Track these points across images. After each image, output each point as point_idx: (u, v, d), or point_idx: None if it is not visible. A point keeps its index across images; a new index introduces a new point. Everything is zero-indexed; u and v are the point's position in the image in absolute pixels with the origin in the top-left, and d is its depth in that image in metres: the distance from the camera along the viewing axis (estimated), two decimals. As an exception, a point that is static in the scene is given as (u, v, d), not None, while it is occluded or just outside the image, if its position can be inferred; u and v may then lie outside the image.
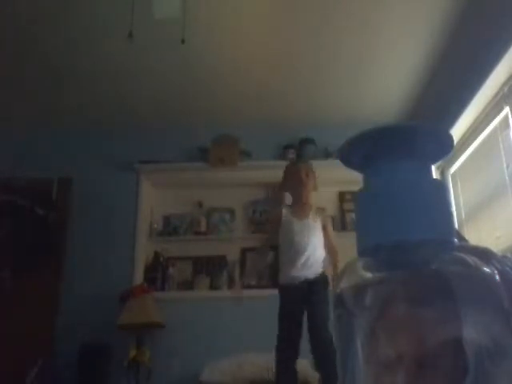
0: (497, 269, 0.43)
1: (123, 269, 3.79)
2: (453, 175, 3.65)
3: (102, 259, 3.80)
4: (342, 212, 4.08)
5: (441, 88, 3.52)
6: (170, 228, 4.07)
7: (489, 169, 3.07)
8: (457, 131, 3.29)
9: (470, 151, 3.37)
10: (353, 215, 3.79)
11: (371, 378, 0.44)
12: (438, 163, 3.42)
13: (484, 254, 0.45)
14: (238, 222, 4.10)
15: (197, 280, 3.91)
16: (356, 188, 0.47)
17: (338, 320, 0.45)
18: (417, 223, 0.42)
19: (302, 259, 2.77)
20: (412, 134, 0.44)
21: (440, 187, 0.44)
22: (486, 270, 0.42)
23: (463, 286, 0.41)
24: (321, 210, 3.05)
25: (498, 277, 0.42)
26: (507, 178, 2.81)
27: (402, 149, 0.44)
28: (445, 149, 0.46)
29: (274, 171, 3.99)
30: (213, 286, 3.89)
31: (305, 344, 2.71)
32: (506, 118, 2.84)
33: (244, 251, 4.00)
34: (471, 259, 0.42)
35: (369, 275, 0.44)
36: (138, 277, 3.82)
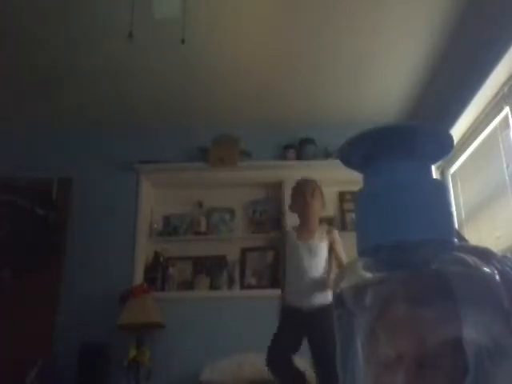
0: (497, 269, 0.43)
1: (123, 269, 3.79)
2: (453, 175, 3.65)
3: (102, 259, 3.80)
4: (342, 212, 4.09)
5: (441, 88, 3.52)
6: (170, 228, 4.07)
7: (489, 169, 3.07)
8: (457, 131, 3.29)
9: (470, 151, 3.37)
10: (353, 215, 3.79)
11: (371, 378, 0.44)
12: (438, 163, 3.42)
13: (484, 254, 0.45)
14: (238, 221, 4.10)
15: (197, 280, 3.91)
16: (356, 188, 0.47)
17: (338, 320, 0.45)
18: (417, 223, 0.42)
19: (302, 284, 2.73)
20: (412, 134, 0.44)
21: (440, 187, 0.44)
22: (486, 269, 0.42)
23: (463, 286, 0.41)
24: (329, 229, 3.00)
25: (497, 277, 0.42)
26: (507, 177, 2.81)
27: (401, 149, 0.44)
28: (445, 149, 0.46)
29: (274, 171, 4.01)
30: (213, 286, 3.89)
31: (304, 344, 2.71)
32: (506, 118, 2.84)
33: (244, 251, 4.00)
34: (471, 259, 0.42)
35: (369, 275, 0.44)
36: (138, 277, 3.82)
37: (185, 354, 3.59)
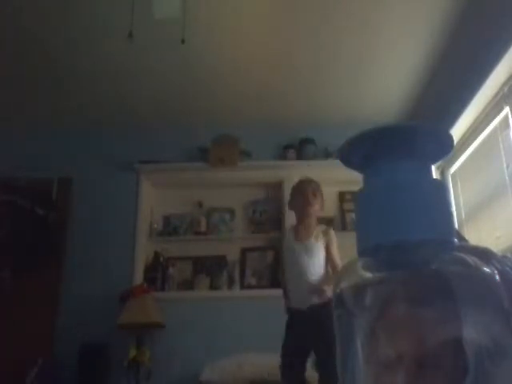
0: (497, 269, 0.43)
1: (123, 269, 3.79)
2: (453, 175, 3.65)
3: (102, 259, 3.80)
4: (342, 212, 4.08)
5: (441, 88, 3.52)
6: (170, 228, 4.07)
7: (489, 169, 3.07)
8: (457, 131, 3.29)
9: (470, 151, 3.37)
10: (353, 215, 3.79)
11: (371, 378, 0.44)
12: (438, 163, 3.42)
13: (484, 254, 0.45)
14: (238, 221, 4.10)
15: (197, 280, 3.91)
16: (356, 188, 0.47)
17: (338, 320, 0.45)
18: (417, 223, 0.42)
19: (305, 283, 2.71)
20: (412, 134, 0.44)
21: (440, 187, 0.44)
22: (486, 269, 0.42)
23: (463, 286, 0.41)
24: (326, 229, 2.99)
25: (497, 277, 0.42)
26: (507, 177, 2.81)
27: (402, 149, 0.44)
28: (445, 149, 0.46)
29: (274, 171, 4.01)
30: (213, 286, 3.89)
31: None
32: (506, 118, 2.84)
33: (244, 251, 4.00)
34: (471, 259, 0.42)
35: (369, 275, 0.44)
36: (138, 277, 3.82)
37: (185, 354, 3.59)
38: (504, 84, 2.80)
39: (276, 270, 3.76)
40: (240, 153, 4.04)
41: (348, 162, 0.47)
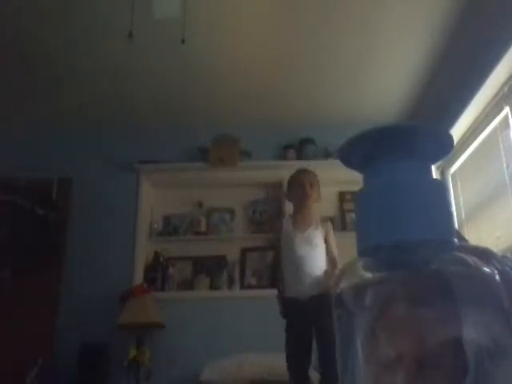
0: (497, 269, 0.43)
1: (123, 269, 3.79)
2: (453, 175, 3.65)
3: (102, 259, 3.80)
4: (342, 212, 4.08)
5: (441, 88, 3.52)
6: (170, 228, 4.07)
7: (489, 169, 3.07)
8: (457, 131, 3.29)
9: (470, 151, 3.37)
10: (353, 215, 3.79)
11: (371, 378, 0.44)
12: (438, 163, 3.42)
13: (484, 254, 0.45)
14: (238, 221, 4.10)
15: (197, 280, 3.91)
16: (356, 188, 0.47)
17: (338, 320, 0.45)
18: (417, 223, 0.42)
19: (304, 272, 2.72)
20: (412, 134, 0.44)
21: (440, 187, 0.44)
22: (486, 270, 0.42)
23: (463, 286, 0.41)
24: (324, 220, 3.02)
25: (497, 277, 0.42)
26: (507, 177, 2.81)
27: (402, 149, 0.44)
28: (445, 149, 0.46)
29: (274, 171, 4.01)
30: (213, 286, 3.89)
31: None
32: (506, 118, 2.84)
33: (244, 251, 4.00)
34: (471, 259, 0.42)
35: (369, 275, 0.44)
36: (138, 277, 3.82)
37: (185, 354, 3.59)
38: (504, 84, 2.80)
39: (276, 269, 3.76)
40: (240, 153, 4.04)
41: (348, 162, 0.47)
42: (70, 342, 3.50)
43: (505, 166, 2.84)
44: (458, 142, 3.38)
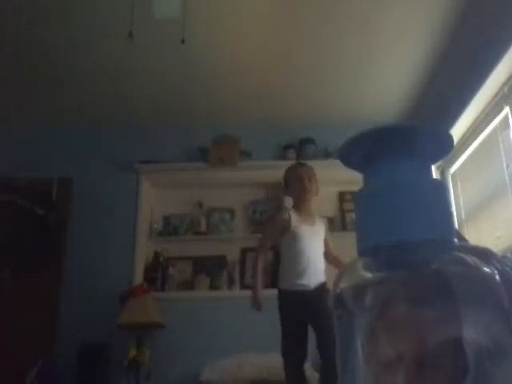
0: (497, 269, 0.43)
1: (123, 269, 3.79)
2: (453, 175, 3.65)
3: (102, 259, 3.81)
4: (342, 212, 4.08)
5: (441, 88, 3.52)
6: (170, 228, 4.07)
7: (489, 169, 3.07)
8: (457, 131, 3.29)
9: (470, 151, 3.37)
10: (353, 215, 3.79)
11: (371, 378, 0.44)
12: (438, 163, 3.42)
13: (484, 254, 0.45)
14: (238, 221, 4.11)
15: (197, 280, 3.91)
16: (356, 188, 0.47)
17: (338, 320, 0.45)
18: (417, 223, 0.42)
19: (310, 266, 2.73)
20: (412, 134, 0.44)
21: (440, 187, 0.44)
22: (486, 270, 0.42)
23: (463, 286, 0.41)
24: (321, 216, 3.03)
25: (497, 277, 0.42)
26: (507, 177, 2.81)
27: (402, 149, 0.44)
28: (445, 149, 0.46)
29: (274, 171, 3.99)
30: (213, 286, 3.89)
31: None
32: (506, 118, 2.84)
33: (244, 251, 4.00)
34: (471, 259, 0.42)
35: (369, 275, 0.44)
36: (138, 277, 3.82)
37: (185, 354, 3.59)
38: (504, 84, 2.80)
39: (276, 270, 3.76)
40: (240, 153, 4.04)
41: (348, 162, 0.47)
42: (69, 342, 3.50)
43: (505, 165, 2.84)
44: (458, 142, 3.38)
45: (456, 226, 3.14)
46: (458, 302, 0.40)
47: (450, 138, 0.45)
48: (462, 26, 2.99)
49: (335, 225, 4.01)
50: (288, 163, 3.98)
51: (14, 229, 3.86)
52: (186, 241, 4.03)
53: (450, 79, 3.34)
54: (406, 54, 3.32)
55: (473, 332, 0.40)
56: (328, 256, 2.90)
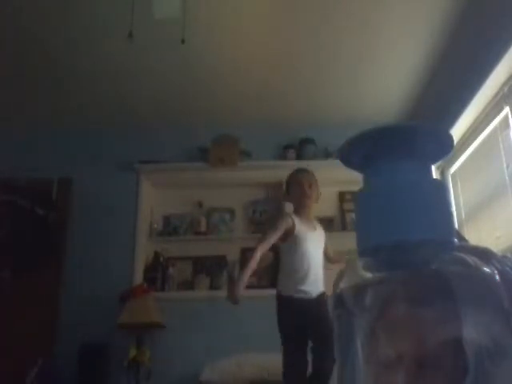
0: (497, 269, 0.43)
1: (123, 269, 3.79)
2: (453, 175, 3.65)
3: (102, 259, 3.80)
4: (342, 212, 4.08)
5: (441, 88, 3.52)
6: (170, 228, 4.07)
7: (489, 169, 3.07)
8: (457, 131, 3.29)
9: (470, 151, 3.37)
10: (353, 215, 3.79)
11: (371, 378, 0.44)
12: (438, 163, 3.42)
13: (484, 254, 0.45)
14: (238, 221, 4.10)
15: (197, 280, 3.91)
16: (356, 188, 0.47)
17: (337, 320, 0.45)
18: (417, 223, 0.42)
19: (311, 272, 2.72)
20: (412, 134, 0.44)
21: (440, 187, 0.44)
22: (486, 270, 0.42)
23: (463, 286, 0.41)
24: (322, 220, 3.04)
25: (497, 277, 0.42)
26: (507, 177, 2.81)
27: (402, 149, 0.44)
28: (445, 149, 0.46)
29: (274, 171, 4.01)
30: (213, 286, 3.89)
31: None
32: (506, 118, 2.84)
33: (244, 251, 4.00)
34: (471, 259, 0.42)
35: (369, 275, 0.44)
36: (138, 277, 3.82)
37: (185, 354, 3.59)
38: (504, 84, 2.80)
39: (276, 270, 3.75)
40: (240, 153, 4.04)
41: (348, 162, 0.47)
42: (70, 342, 3.50)
43: (505, 165, 2.84)
44: (458, 142, 3.38)
45: (456, 225, 3.14)
46: (458, 302, 0.40)
47: (450, 138, 0.45)
48: (462, 26, 2.99)
49: (335, 225, 4.02)
50: (288, 163, 4.01)
51: (14, 229, 3.86)
52: (186, 241, 4.03)
53: (450, 79, 3.34)
54: (406, 54, 3.32)
55: (473, 332, 0.40)
56: (328, 256, 2.90)
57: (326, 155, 4.00)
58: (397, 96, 3.81)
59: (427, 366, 0.42)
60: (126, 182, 4.03)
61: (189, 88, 3.68)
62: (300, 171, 2.94)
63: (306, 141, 4.07)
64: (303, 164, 3.94)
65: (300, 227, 2.78)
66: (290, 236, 2.77)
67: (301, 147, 4.08)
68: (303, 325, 2.65)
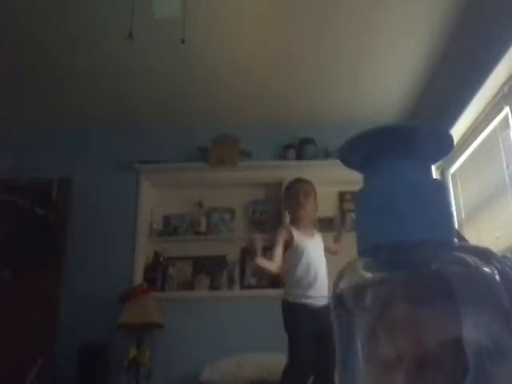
0: (497, 269, 0.43)
1: (123, 269, 3.79)
2: (453, 175, 3.65)
3: (102, 259, 3.80)
4: (342, 212, 4.08)
5: (441, 88, 3.52)
6: (170, 228, 4.07)
7: (489, 169, 3.07)
8: (457, 131, 3.29)
9: (470, 151, 3.37)
10: (353, 215, 3.79)
11: (371, 378, 0.44)
12: (438, 163, 3.42)
13: (484, 254, 0.45)
14: (238, 221, 4.10)
15: (197, 280, 3.91)
16: (356, 188, 0.47)
17: (337, 320, 0.45)
18: (417, 223, 0.42)
19: (318, 277, 2.73)
20: (412, 134, 0.44)
21: (440, 187, 0.44)
22: (486, 269, 0.42)
23: (463, 286, 0.41)
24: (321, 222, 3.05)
25: (498, 277, 0.42)
26: (507, 177, 2.81)
27: (402, 149, 0.44)
28: (445, 149, 0.46)
29: (274, 171, 4.01)
30: (213, 286, 3.89)
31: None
32: (506, 118, 2.84)
33: (244, 251, 4.00)
34: (471, 259, 0.42)
35: (369, 275, 0.44)
36: (138, 277, 3.82)
37: (185, 354, 3.59)
38: (504, 84, 2.80)
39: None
40: (240, 153, 4.04)
41: (348, 162, 0.47)
42: (69, 342, 3.50)
43: (505, 165, 2.84)
44: (458, 142, 3.37)
45: (456, 225, 3.14)
46: (458, 302, 0.40)
47: (450, 138, 0.45)
48: (462, 26, 2.99)
49: (335, 225, 4.01)
50: (288, 163, 4.01)
51: (14, 229, 3.86)
52: (186, 241, 4.03)
53: (450, 79, 3.34)
54: (406, 54, 3.32)
55: (473, 332, 0.40)
56: (331, 250, 2.94)
57: (326, 155, 4.00)
58: (397, 96, 3.81)
59: (427, 365, 0.42)
60: (126, 182, 4.03)
61: (189, 88, 3.68)
62: (297, 181, 2.94)
63: (306, 141, 4.07)
64: (303, 164, 3.96)
65: (298, 237, 2.80)
66: (290, 246, 2.79)
67: (301, 147, 4.08)
68: (315, 330, 2.64)
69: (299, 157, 4.06)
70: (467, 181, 3.42)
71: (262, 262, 2.67)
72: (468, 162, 3.42)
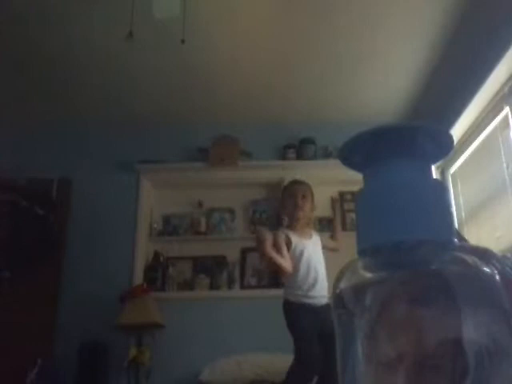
0: (497, 269, 0.43)
1: (123, 269, 3.79)
2: (453, 175, 3.65)
3: (101, 259, 3.80)
4: (342, 212, 4.08)
5: (441, 88, 3.52)
6: (170, 228, 4.07)
7: (489, 169, 3.07)
8: (457, 131, 3.29)
9: (470, 151, 3.37)
10: (353, 215, 3.79)
11: (371, 378, 0.44)
12: (438, 163, 3.42)
13: (484, 254, 0.45)
14: (238, 221, 4.10)
15: (197, 280, 3.91)
16: (356, 188, 0.47)
17: (338, 320, 0.45)
18: (417, 223, 0.42)
19: (319, 277, 2.75)
20: (412, 134, 0.44)
21: (440, 187, 0.44)
22: (486, 270, 0.42)
23: (463, 286, 0.40)
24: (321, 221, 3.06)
25: (498, 277, 0.42)
26: (507, 177, 2.81)
27: (402, 149, 0.44)
28: (445, 149, 0.46)
29: (274, 171, 4.01)
30: (213, 286, 3.89)
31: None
32: (506, 118, 2.84)
33: (244, 251, 4.00)
34: (471, 259, 0.42)
35: (369, 275, 0.44)
36: (138, 277, 3.82)
37: (185, 354, 3.59)
38: (504, 84, 2.80)
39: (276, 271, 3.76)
40: (240, 153, 4.04)
41: (348, 161, 0.47)
42: (69, 341, 3.50)
43: (505, 166, 2.84)
44: (457, 142, 3.38)
45: (456, 226, 3.14)
46: (458, 302, 0.40)
47: (450, 137, 0.45)
48: (462, 26, 2.99)
49: (334, 224, 4.01)
50: (288, 163, 4.01)
51: (14, 229, 3.86)
52: (185, 241, 4.03)
53: (450, 79, 3.34)
54: (406, 54, 3.32)
55: (473, 332, 0.40)
56: (330, 247, 2.97)
57: (326, 155, 4.00)
58: (397, 96, 3.81)
59: (427, 366, 0.42)
60: (125, 182, 4.03)
61: (189, 88, 3.68)
62: (295, 183, 2.96)
63: (306, 141, 4.08)
64: (303, 164, 3.96)
65: (296, 239, 2.81)
66: (289, 249, 2.79)
67: (301, 147, 4.08)
68: (318, 330, 2.64)
69: (299, 157, 4.06)
70: (467, 181, 3.42)
71: (275, 255, 2.66)
72: (468, 162, 3.42)
